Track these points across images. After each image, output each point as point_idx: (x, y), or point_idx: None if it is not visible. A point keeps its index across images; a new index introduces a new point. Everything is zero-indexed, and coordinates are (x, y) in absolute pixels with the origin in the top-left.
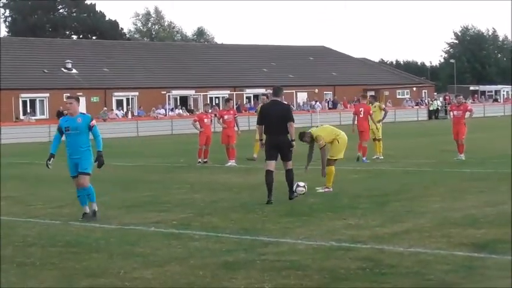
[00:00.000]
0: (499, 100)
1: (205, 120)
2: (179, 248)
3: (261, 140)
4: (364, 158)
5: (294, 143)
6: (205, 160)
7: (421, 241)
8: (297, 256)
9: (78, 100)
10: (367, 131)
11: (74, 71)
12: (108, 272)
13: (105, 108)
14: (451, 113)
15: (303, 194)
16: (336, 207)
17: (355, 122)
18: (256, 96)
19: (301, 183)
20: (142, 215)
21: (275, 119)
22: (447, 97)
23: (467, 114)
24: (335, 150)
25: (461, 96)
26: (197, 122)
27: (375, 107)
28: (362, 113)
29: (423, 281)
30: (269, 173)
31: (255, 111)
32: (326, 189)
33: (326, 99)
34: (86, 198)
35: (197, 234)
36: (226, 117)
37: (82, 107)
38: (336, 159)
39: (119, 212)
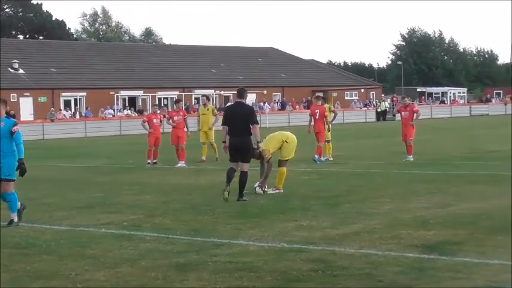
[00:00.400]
0: (445, 102)
1: (155, 120)
2: (130, 250)
3: (224, 142)
4: (321, 158)
5: (260, 144)
6: (154, 161)
7: (371, 242)
8: (249, 257)
9: (5, 103)
10: (322, 132)
11: (21, 71)
12: (59, 274)
13: (53, 108)
14: (400, 114)
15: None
16: (287, 208)
17: (311, 124)
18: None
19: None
20: (93, 217)
21: (239, 121)
22: (395, 98)
23: (415, 115)
24: (286, 151)
25: (406, 98)
26: (146, 123)
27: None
28: (318, 114)
29: (374, 282)
30: (231, 169)
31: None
32: (276, 191)
33: (275, 101)
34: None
35: (148, 236)
36: (175, 118)
37: (29, 108)
38: (287, 160)
39: (69, 213)
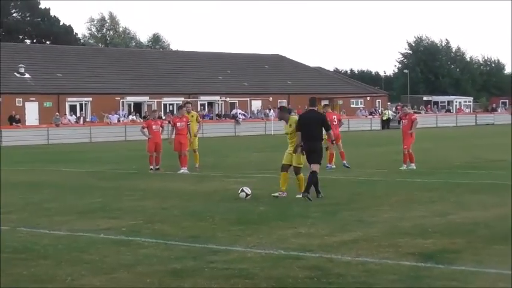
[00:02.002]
0: (451, 111)
1: (154, 127)
2: (128, 255)
3: (301, 146)
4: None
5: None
6: (157, 167)
7: (369, 250)
8: (245, 264)
9: None
10: (339, 138)
11: (27, 75)
12: (56, 278)
13: (58, 113)
14: (401, 123)
15: (244, 198)
16: (286, 215)
17: None
18: (210, 104)
19: (248, 190)
20: (93, 222)
21: (312, 127)
22: (399, 107)
23: (413, 124)
24: (302, 158)
25: (406, 107)
26: (145, 129)
27: None
28: (335, 120)
29: None
30: (314, 173)
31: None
32: (281, 194)
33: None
34: None
35: (146, 242)
36: (179, 124)
37: (35, 112)
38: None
39: (69, 218)
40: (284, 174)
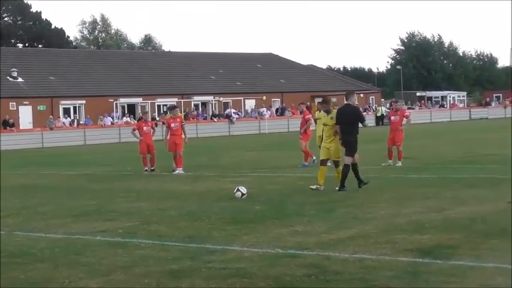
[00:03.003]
0: (445, 106)
1: (145, 128)
2: (125, 257)
3: (340, 139)
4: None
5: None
6: (152, 168)
7: (366, 247)
8: (242, 264)
9: None
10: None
11: (20, 79)
12: (53, 281)
13: (51, 116)
14: (389, 119)
15: (240, 197)
16: (282, 214)
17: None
18: (204, 104)
19: (243, 190)
20: (89, 224)
21: (347, 121)
22: (394, 103)
23: (404, 120)
24: (340, 152)
25: (399, 102)
26: (136, 131)
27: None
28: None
29: (367, 287)
30: (346, 166)
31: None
32: (319, 187)
33: (270, 106)
34: None
35: (143, 243)
36: (173, 125)
37: (28, 116)
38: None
39: (65, 221)
40: (323, 168)
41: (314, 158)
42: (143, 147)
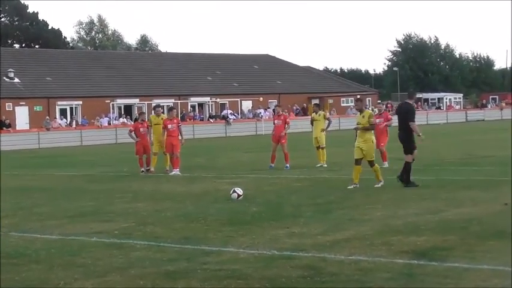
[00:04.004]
0: (441, 107)
1: (141, 129)
2: (120, 258)
3: (419, 135)
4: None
5: (421, 135)
6: (147, 168)
7: (362, 249)
8: (238, 265)
9: None
10: (283, 137)
11: (17, 80)
12: (48, 283)
13: (48, 117)
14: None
15: (236, 199)
16: (279, 215)
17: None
18: (201, 105)
19: (240, 191)
20: (85, 225)
21: (401, 118)
22: (389, 105)
23: (388, 123)
24: (373, 151)
25: (383, 105)
26: (133, 132)
27: (319, 115)
28: (280, 120)
29: None
30: (408, 163)
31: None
32: (381, 183)
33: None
34: None
35: (139, 244)
36: (169, 126)
37: (25, 117)
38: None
39: (61, 222)
40: (357, 167)
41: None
42: (139, 148)
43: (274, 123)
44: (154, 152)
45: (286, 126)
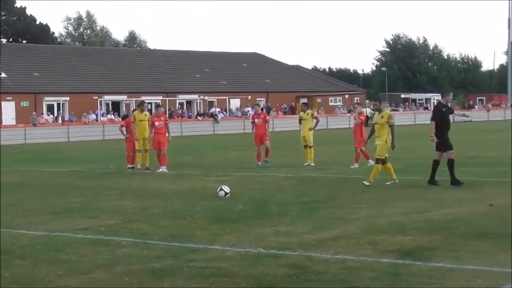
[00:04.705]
0: (429, 108)
1: (132, 126)
2: (106, 255)
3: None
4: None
5: (431, 138)
6: (132, 166)
7: (348, 248)
8: (224, 263)
9: None
10: (265, 135)
11: (3, 75)
12: (33, 279)
13: (35, 113)
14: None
15: (223, 196)
16: (265, 214)
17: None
18: (189, 102)
19: (227, 189)
20: (71, 222)
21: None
22: (375, 105)
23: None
24: (385, 150)
25: (358, 106)
26: (124, 128)
27: (307, 114)
28: (261, 118)
29: (349, 287)
30: (451, 160)
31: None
32: (368, 183)
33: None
34: None
35: (125, 241)
36: (157, 123)
37: (12, 112)
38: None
39: (47, 218)
40: (387, 165)
41: (259, 163)
42: (130, 144)
43: (254, 122)
44: (138, 149)
45: (267, 125)
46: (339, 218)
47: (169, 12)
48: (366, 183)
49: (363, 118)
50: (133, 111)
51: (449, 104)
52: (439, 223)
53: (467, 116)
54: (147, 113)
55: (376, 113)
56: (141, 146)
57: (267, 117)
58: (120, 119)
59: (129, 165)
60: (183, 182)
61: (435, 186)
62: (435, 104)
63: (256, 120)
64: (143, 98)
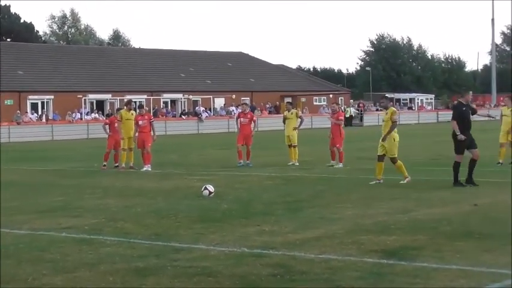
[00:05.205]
0: (413, 108)
1: (116, 124)
2: (90, 254)
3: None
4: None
5: (458, 136)
6: (116, 164)
7: (332, 248)
8: (208, 262)
9: None
10: (249, 136)
11: None
12: (16, 278)
13: (19, 111)
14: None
15: (208, 196)
16: (250, 213)
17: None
18: (173, 101)
19: (211, 188)
20: (54, 220)
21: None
22: (361, 104)
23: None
24: (395, 148)
25: (335, 104)
26: (107, 125)
27: (292, 113)
28: (247, 118)
29: (332, 287)
30: (473, 160)
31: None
32: (407, 179)
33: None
34: None
35: (109, 240)
36: (140, 122)
37: None
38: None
39: (30, 217)
40: (380, 164)
41: (241, 162)
42: (111, 142)
43: (240, 122)
44: (123, 147)
45: (253, 125)
46: (323, 218)
47: (154, 11)
48: (403, 181)
49: (341, 118)
50: (117, 110)
51: (470, 104)
52: (423, 223)
53: (493, 117)
54: (134, 112)
55: (384, 110)
56: (126, 145)
57: (254, 118)
58: (105, 118)
59: (105, 163)
60: (167, 181)
61: (460, 187)
62: (455, 103)
63: (242, 119)
64: (128, 96)
